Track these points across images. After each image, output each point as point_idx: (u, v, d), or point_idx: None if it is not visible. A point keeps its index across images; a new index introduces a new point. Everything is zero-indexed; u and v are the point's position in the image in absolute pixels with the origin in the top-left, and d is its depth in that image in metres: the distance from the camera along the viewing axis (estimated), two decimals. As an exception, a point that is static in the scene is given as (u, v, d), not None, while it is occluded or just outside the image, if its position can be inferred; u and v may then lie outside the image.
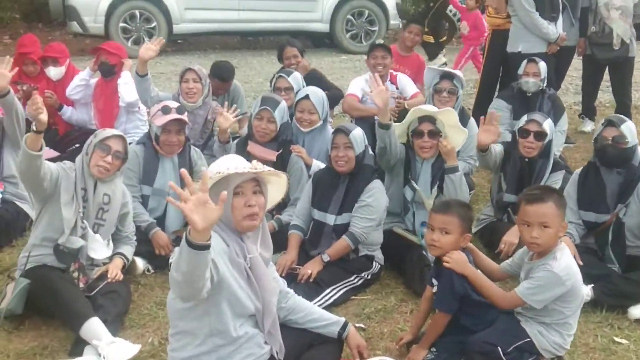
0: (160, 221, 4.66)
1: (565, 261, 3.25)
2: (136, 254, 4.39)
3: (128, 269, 4.30)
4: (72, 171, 4.03)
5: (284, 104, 4.84)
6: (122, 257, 4.19)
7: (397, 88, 6.45)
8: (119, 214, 4.16)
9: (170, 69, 10.63)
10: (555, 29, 6.88)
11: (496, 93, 7.43)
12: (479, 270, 3.44)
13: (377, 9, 12.64)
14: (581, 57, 7.73)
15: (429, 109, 4.67)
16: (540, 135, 4.66)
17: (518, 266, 3.51)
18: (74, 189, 3.99)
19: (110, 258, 4.14)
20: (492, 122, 4.61)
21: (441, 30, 10.42)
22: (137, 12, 11.42)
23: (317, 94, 5.07)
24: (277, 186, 3.05)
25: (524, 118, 4.77)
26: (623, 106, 7.60)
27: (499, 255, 4.43)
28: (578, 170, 4.45)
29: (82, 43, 12.90)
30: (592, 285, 3.91)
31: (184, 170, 2.50)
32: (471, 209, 3.60)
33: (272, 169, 2.95)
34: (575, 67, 8.56)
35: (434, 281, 3.47)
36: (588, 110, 7.95)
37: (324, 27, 12.62)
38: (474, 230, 4.97)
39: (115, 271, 4.02)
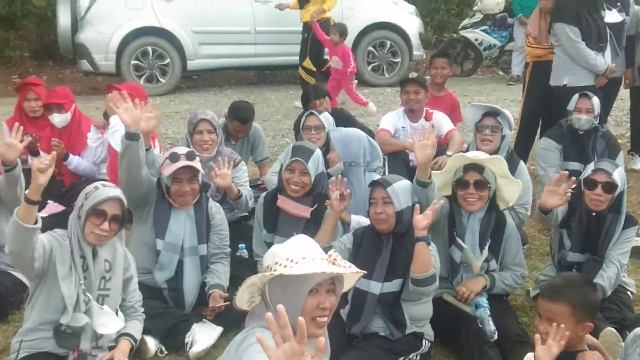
0: (173, 282, 4.10)
1: None
2: (146, 331, 3.81)
3: (137, 350, 3.72)
4: (65, 238, 3.48)
5: (318, 153, 4.27)
6: (129, 338, 3.61)
7: (432, 126, 5.89)
8: (122, 279, 3.61)
9: (185, 108, 10.15)
10: (604, 60, 6.30)
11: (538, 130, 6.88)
12: None
13: (399, 40, 12.08)
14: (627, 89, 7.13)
15: (476, 155, 4.10)
16: (610, 186, 4.10)
17: None
18: (71, 258, 3.44)
19: (116, 340, 3.56)
20: (560, 184, 4.02)
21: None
22: (149, 49, 10.95)
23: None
24: (346, 281, 2.53)
25: (590, 167, 4.22)
26: (677, 142, 6.99)
27: None
28: None
29: (93, 81, 12.55)
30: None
31: (301, 322, 1.99)
32: (594, 289, 2.96)
33: (353, 266, 2.43)
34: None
35: None
36: (638, 145, 7.32)
37: (344, 59, 12.08)
38: (532, 293, 4.41)
39: (121, 358, 3.43)
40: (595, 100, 5.61)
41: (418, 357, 3.68)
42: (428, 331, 3.77)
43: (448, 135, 5.91)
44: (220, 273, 4.19)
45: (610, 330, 3.58)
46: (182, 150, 4.22)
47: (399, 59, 12.14)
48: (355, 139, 4.70)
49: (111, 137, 5.52)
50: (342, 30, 9.49)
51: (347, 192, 3.93)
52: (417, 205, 3.60)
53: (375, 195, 3.74)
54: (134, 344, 3.62)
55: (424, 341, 3.72)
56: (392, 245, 3.71)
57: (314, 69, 10.08)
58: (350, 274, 2.46)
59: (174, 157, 4.09)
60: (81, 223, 3.43)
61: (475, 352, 3.62)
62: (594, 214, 4.16)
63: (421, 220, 3.50)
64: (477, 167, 3.99)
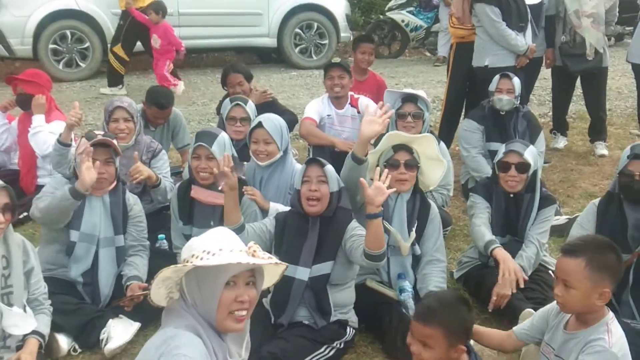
0: (88, 275, 3.93)
1: (620, 335, 2.69)
2: (58, 328, 3.64)
3: (47, 349, 3.53)
4: None
5: (223, 137, 4.10)
6: (36, 336, 3.40)
7: (358, 112, 5.85)
8: (23, 272, 3.40)
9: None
10: (524, 40, 6.34)
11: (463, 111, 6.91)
12: None
13: (327, 22, 11.98)
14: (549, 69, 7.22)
15: (406, 135, 4.05)
16: (523, 166, 4.10)
17: (539, 331, 2.91)
18: None
19: (23, 338, 3.37)
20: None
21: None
22: (68, 32, 10.50)
23: (272, 121, 4.31)
24: (269, 274, 2.45)
25: (502, 149, 4.21)
26: (598, 120, 7.14)
27: (486, 305, 3.91)
28: (596, 201, 3.84)
29: (11, 67, 11.94)
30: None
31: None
32: (469, 309, 2.77)
33: (274, 257, 2.35)
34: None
35: None
36: (560, 125, 7.43)
37: (271, 41, 11.90)
38: (455, 275, 4.41)
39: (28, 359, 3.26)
40: (516, 81, 5.65)
41: (342, 345, 3.62)
42: (352, 318, 3.71)
43: None
44: (138, 265, 4.02)
45: (529, 311, 3.58)
46: (99, 131, 4.07)
47: (326, 41, 12.05)
48: (284, 126, 4.53)
49: (32, 138, 5.34)
50: (159, 8, 9.44)
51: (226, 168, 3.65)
52: (363, 180, 3.39)
53: (310, 174, 3.61)
54: (42, 341, 3.43)
55: (348, 328, 3.66)
56: (319, 227, 3.62)
57: (127, 58, 10.01)
58: (274, 267, 2.38)
59: (89, 136, 3.92)
60: None
61: (398, 337, 3.55)
62: (511, 195, 4.16)
63: (376, 196, 3.32)
64: (407, 147, 3.96)
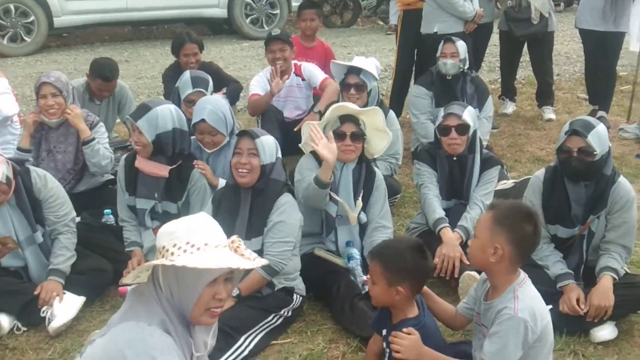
0: (23, 270, 3.84)
1: (529, 299, 2.66)
2: (-1, 308, 3.56)
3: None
4: None
5: (157, 111, 3.93)
6: None
7: (303, 79, 5.82)
8: None
9: (53, 67, 9.52)
10: (472, 6, 6.35)
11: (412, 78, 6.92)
12: (436, 353, 2.79)
13: (278, -10, 11.88)
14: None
15: (352, 107, 4.04)
16: (463, 127, 4.12)
17: (474, 301, 2.92)
18: None
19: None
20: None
21: None
22: (11, 6, 10.25)
23: (216, 113, 4.19)
24: None
25: (440, 113, 4.24)
26: (545, 84, 7.21)
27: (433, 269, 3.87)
28: (539, 175, 3.72)
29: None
30: (551, 306, 3.32)
31: None
32: (420, 257, 2.84)
33: (258, 257, 2.31)
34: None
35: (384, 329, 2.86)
36: (508, 90, 7.51)
37: (221, 12, 11.76)
38: (404, 240, 4.42)
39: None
40: (460, 45, 5.67)
41: (290, 312, 3.62)
42: (299, 285, 3.71)
43: (322, 85, 5.80)
44: (59, 252, 3.86)
45: (468, 273, 3.64)
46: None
47: (277, 11, 11.95)
48: (227, 111, 4.44)
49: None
50: None
51: None
52: None
53: (241, 146, 3.59)
54: None
55: (295, 295, 3.66)
56: (250, 201, 3.60)
57: None
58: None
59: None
60: None
61: (346, 304, 3.59)
62: (454, 158, 4.18)
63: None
64: (353, 118, 3.94)
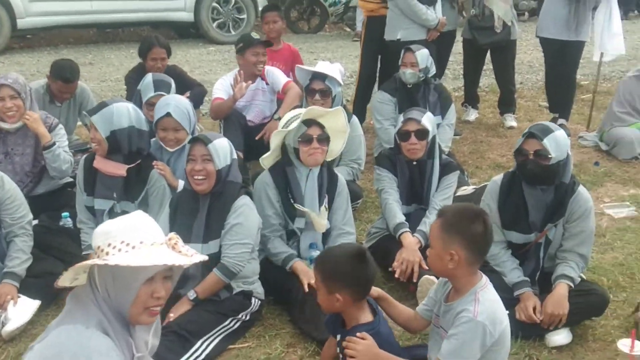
0: None
1: (489, 302, 2.68)
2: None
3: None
4: None
5: (113, 108, 3.90)
6: None
7: (267, 84, 5.81)
8: None
9: (15, 69, 9.41)
10: (435, 14, 6.42)
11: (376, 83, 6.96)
12: (390, 356, 2.79)
13: (244, -4, 11.88)
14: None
15: (318, 109, 4.07)
16: (422, 132, 4.16)
17: (434, 303, 2.94)
18: None
19: None
20: None
21: None
22: (-28, 7, 10.11)
23: (180, 109, 4.20)
24: None
25: (401, 118, 4.27)
26: (507, 92, 7.31)
27: (394, 274, 3.95)
28: (497, 179, 3.76)
29: None
30: (508, 312, 3.35)
31: None
32: (360, 263, 2.82)
33: (197, 253, 2.30)
34: (452, 51, 8.16)
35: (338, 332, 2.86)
36: (471, 98, 7.58)
37: (188, 16, 11.71)
38: (365, 246, 4.43)
39: None
40: (421, 54, 5.69)
41: (248, 316, 3.61)
42: (258, 289, 3.71)
43: (284, 88, 5.80)
44: (14, 255, 3.79)
45: (427, 277, 3.66)
46: None
47: (244, 15, 11.93)
48: (191, 109, 4.43)
49: None
50: None
51: None
52: None
53: (194, 152, 3.56)
54: None
55: (253, 299, 3.65)
56: (208, 205, 3.59)
57: None
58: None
59: None
60: None
61: (306, 308, 3.58)
62: (414, 162, 4.21)
63: None
64: (318, 122, 3.94)
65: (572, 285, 3.51)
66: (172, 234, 2.27)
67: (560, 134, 3.48)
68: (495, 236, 3.50)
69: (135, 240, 2.14)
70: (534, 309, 3.47)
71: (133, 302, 2.17)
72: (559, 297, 3.45)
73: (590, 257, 3.83)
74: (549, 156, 3.42)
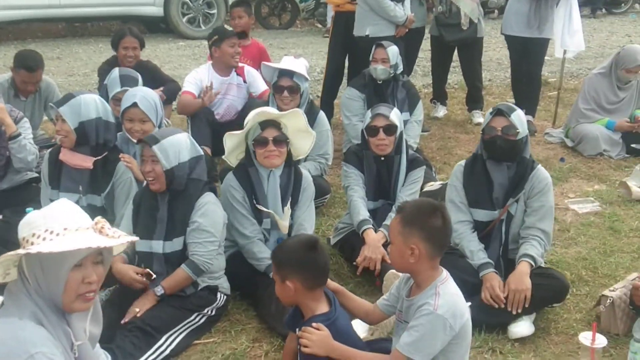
0: None
1: (449, 295, 2.70)
2: None
3: None
4: None
5: (81, 99, 3.87)
6: None
7: (244, 81, 5.82)
8: None
9: (-19, 63, 9.32)
10: (403, 11, 6.45)
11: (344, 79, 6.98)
12: (346, 347, 2.78)
13: (215, -9, 11.82)
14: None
15: (272, 111, 4.02)
16: (390, 128, 4.19)
17: (396, 299, 2.95)
18: None
19: None
20: None
21: None
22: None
23: (147, 100, 4.19)
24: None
25: (369, 114, 4.29)
26: (474, 89, 7.37)
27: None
28: (461, 163, 3.93)
29: None
30: (470, 303, 3.37)
31: None
32: (311, 252, 2.81)
33: (123, 234, 2.26)
34: (421, 49, 8.21)
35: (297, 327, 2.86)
36: (439, 94, 7.64)
37: (157, 10, 11.64)
38: (332, 240, 4.46)
39: None
40: (391, 50, 5.72)
41: (213, 312, 3.61)
42: (223, 284, 3.70)
43: (261, 96, 5.86)
44: None
45: (392, 272, 3.68)
46: None
47: (214, 10, 11.87)
48: (158, 102, 4.40)
49: None
50: None
51: None
52: None
53: (143, 153, 3.53)
54: None
55: (219, 294, 3.64)
56: (168, 203, 3.56)
57: None
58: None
59: None
60: None
61: (272, 304, 3.56)
62: (382, 158, 4.24)
63: None
64: (274, 123, 3.87)
65: (534, 264, 3.61)
66: (99, 218, 2.26)
67: (521, 112, 3.78)
68: (462, 215, 3.77)
69: (59, 228, 2.14)
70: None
71: (64, 290, 2.16)
72: (521, 275, 3.55)
73: (553, 250, 3.90)
74: (517, 131, 3.66)
